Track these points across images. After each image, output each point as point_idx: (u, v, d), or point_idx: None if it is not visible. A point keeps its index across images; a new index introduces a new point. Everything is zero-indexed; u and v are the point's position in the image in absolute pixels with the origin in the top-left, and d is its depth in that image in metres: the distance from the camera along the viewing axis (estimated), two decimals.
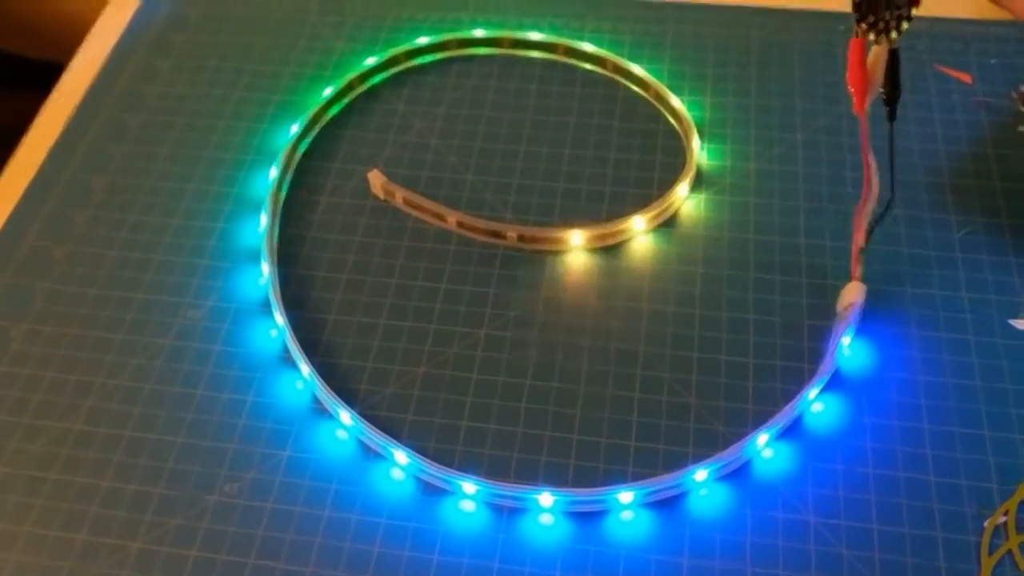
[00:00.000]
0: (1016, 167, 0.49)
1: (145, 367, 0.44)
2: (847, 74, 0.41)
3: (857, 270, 0.44)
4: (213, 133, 0.53)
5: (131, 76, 0.57)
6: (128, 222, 0.50)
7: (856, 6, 0.40)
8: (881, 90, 0.41)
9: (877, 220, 0.43)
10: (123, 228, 0.49)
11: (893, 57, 0.41)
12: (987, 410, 0.41)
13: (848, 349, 0.43)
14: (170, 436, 0.42)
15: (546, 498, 0.38)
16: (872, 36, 0.40)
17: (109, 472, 0.41)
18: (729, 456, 0.39)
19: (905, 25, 0.40)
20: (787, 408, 0.40)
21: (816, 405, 0.41)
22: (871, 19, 0.40)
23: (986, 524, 0.38)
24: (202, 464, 0.41)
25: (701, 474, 0.39)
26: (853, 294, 0.43)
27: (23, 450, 0.42)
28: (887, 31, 0.40)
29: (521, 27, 0.57)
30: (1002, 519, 0.38)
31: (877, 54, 0.41)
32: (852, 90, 0.41)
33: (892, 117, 0.43)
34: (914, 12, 0.40)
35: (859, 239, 0.43)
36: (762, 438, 0.40)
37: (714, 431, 0.41)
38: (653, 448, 0.41)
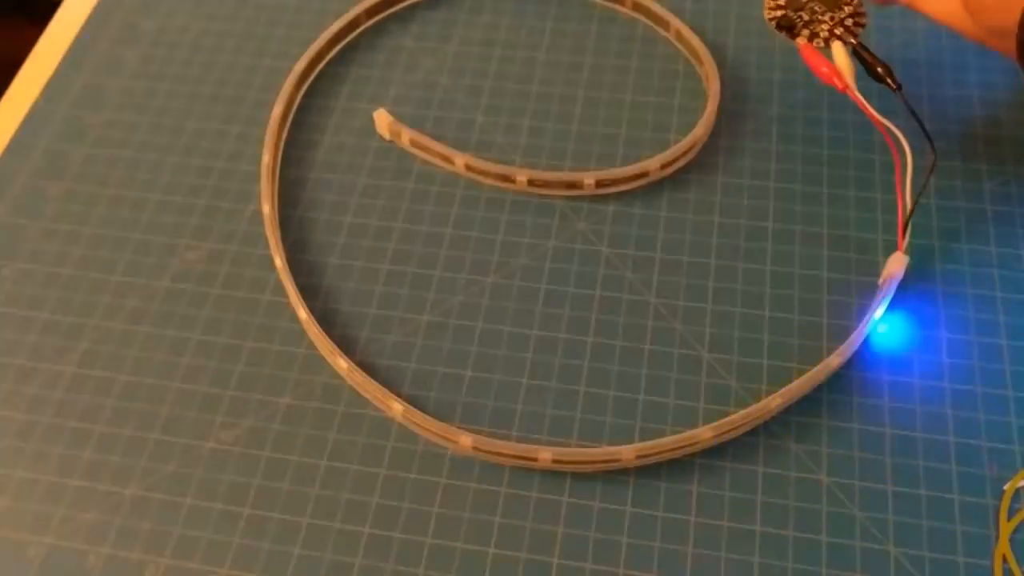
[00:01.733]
0: None
1: (141, 309, 0.43)
2: (814, 73, 0.43)
3: (903, 240, 0.41)
4: (213, 69, 0.51)
5: (129, 8, 0.55)
6: (125, 159, 0.48)
7: (779, 28, 0.43)
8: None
9: (921, 188, 0.41)
10: (119, 166, 0.48)
11: (859, 51, 0.43)
12: (1012, 369, 0.39)
13: (883, 325, 0.41)
14: (165, 380, 0.41)
15: (546, 455, 0.37)
16: (820, 43, 0.43)
17: (103, 417, 0.40)
18: (741, 420, 0.38)
19: (859, 31, 0.43)
20: (805, 378, 0.38)
21: (835, 362, 0.40)
22: (807, 33, 0.43)
23: (1006, 488, 0.36)
24: (198, 410, 0.40)
25: (708, 434, 0.37)
26: (895, 265, 0.41)
27: (16, 391, 0.41)
28: (835, 37, 0.41)
29: None
30: (1023, 483, 0.36)
31: (838, 50, 0.42)
32: (825, 82, 0.42)
33: (896, 88, 0.42)
34: None
35: (904, 205, 0.41)
36: (776, 402, 0.38)
37: (726, 386, 0.40)
38: (662, 403, 0.39)
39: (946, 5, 0.41)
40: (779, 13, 0.44)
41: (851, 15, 0.43)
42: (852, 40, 0.42)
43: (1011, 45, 0.38)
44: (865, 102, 0.41)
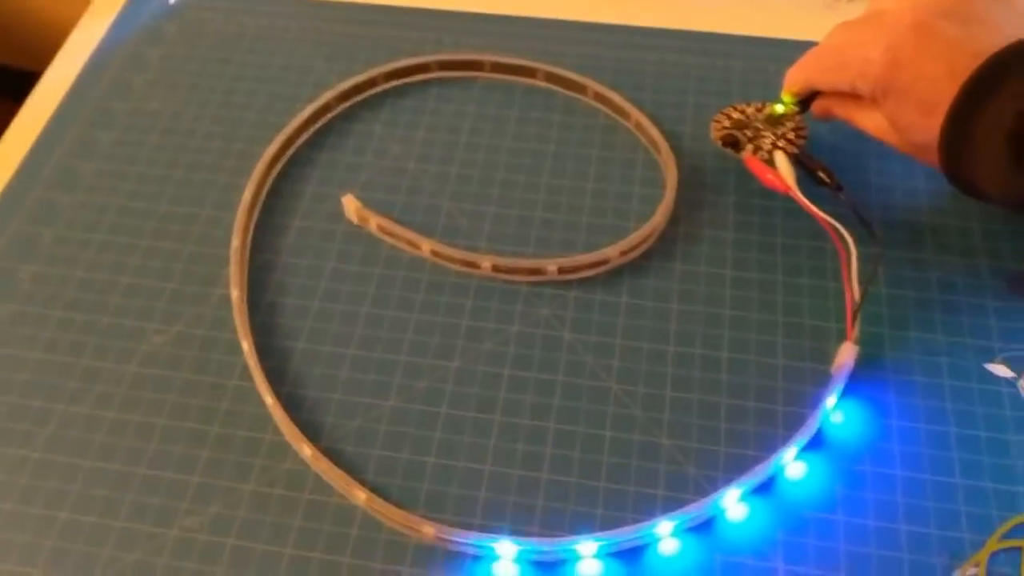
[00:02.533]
0: (994, 206, 0.49)
1: (108, 394, 0.43)
2: (760, 180, 0.46)
3: (852, 330, 0.43)
4: (185, 152, 0.52)
5: (104, 91, 0.56)
6: (95, 242, 0.49)
7: (725, 145, 0.48)
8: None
9: (869, 279, 0.43)
10: (89, 248, 0.48)
11: (802, 160, 0.47)
12: (960, 457, 0.41)
13: (836, 413, 0.42)
14: (131, 467, 0.41)
15: (506, 547, 0.38)
16: (764, 155, 0.47)
17: (67, 503, 0.40)
18: (697, 509, 0.39)
19: (801, 142, 0.47)
20: (760, 467, 0.40)
21: (790, 452, 0.41)
22: (751, 147, 0.47)
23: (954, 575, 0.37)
24: (163, 497, 0.40)
25: (667, 526, 0.38)
26: (844, 355, 0.42)
27: None
28: (780, 148, 0.45)
29: (503, 51, 0.56)
30: (972, 571, 0.37)
31: (780, 159, 0.46)
32: (770, 188, 0.46)
33: (837, 188, 0.46)
34: None
35: (852, 297, 0.43)
36: (733, 493, 0.39)
37: (684, 473, 0.41)
38: (622, 490, 0.40)
39: (878, 122, 0.44)
40: (724, 132, 0.47)
41: (793, 129, 0.47)
42: (794, 149, 0.45)
43: (935, 158, 0.41)
44: (808, 202, 0.43)
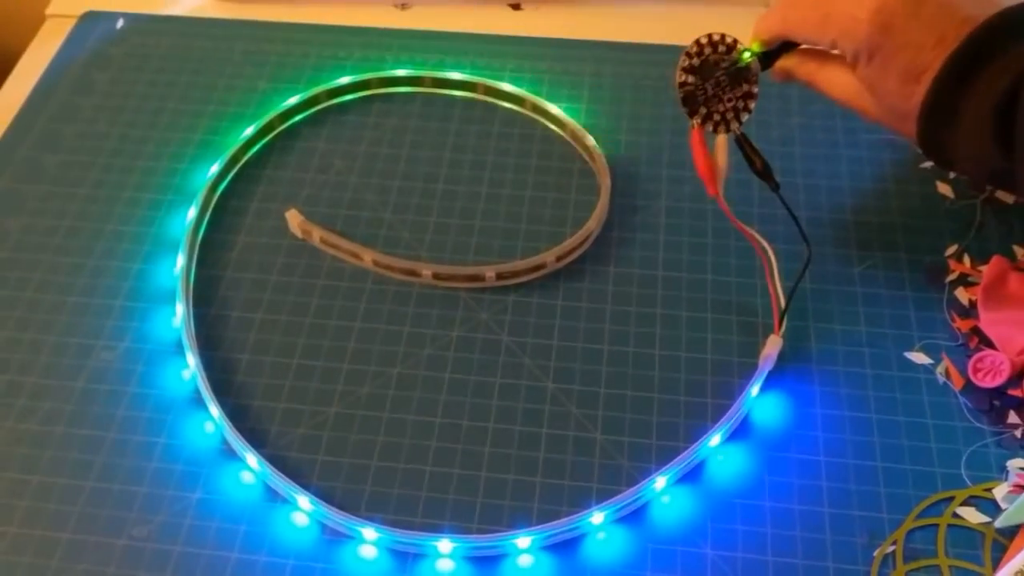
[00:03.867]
0: (913, 202, 0.51)
1: (56, 410, 0.44)
2: (694, 163, 0.45)
3: (779, 327, 0.45)
4: (132, 173, 0.54)
5: (51, 115, 0.57)
6: (43, 263, 0.50)
7: (683, 101, 0.44)
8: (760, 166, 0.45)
9: (797, 279, 0.45)
10: (38, 269, 0.49)
11: (742, 142, 0.45)
12: (880, 441, 0.42)
13: (763, 407, 0.44)
14: (80, 480, 0.42)
15: (445, 544, 0.39)
16: (710, 128, 0.44)
17: (16, 516, 0.41)
18: (628, 498, 0.40)
19: (746, 116, 0.45)
20: (686, 453, 0.41)
21: (715, 440, 0.42)
22: (703, 112, 0.44)
23: (875, 554, 0.39)
24: (112, 508, 0.41)
25: (599, 517, 0.40)
26: (770, 347, 0.44)
27: None
28: (726, 123, 0.43)
29: (442, 66, 0.58)
30: (891, 549, 0.39)
31: (720, 143, 0.45)
32: (701, 178, 0.45)
33: (774, 187, 0.45)
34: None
35: (776, 298, 0.45)
36: (660, 481, 0.41)
37: (618, 465, 0.42)
38: (558, 484, 0.42)
39: (847, 85, 0.42)
40: (687, 84, 0.44)
41: (745, 94, 0.44)
42: (738, 125, 0.45)
43: (911, 128, 0.40)
44: (729, 210, 0.44)
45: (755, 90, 0.45)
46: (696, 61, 0.44)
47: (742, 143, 0.45)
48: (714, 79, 0.44)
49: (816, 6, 0.42)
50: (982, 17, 0.37)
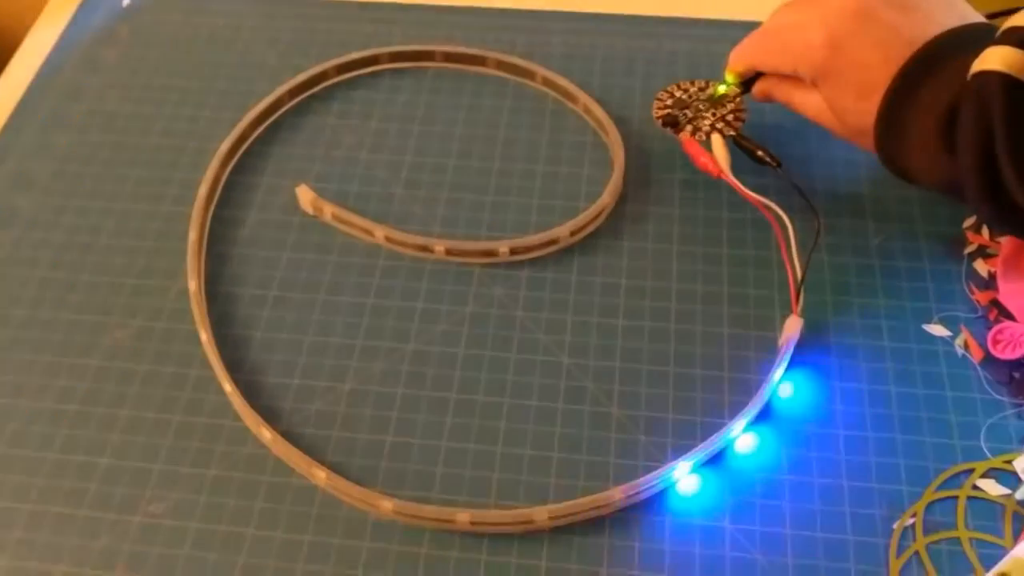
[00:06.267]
0: None
1: (70, 388, 0.44)
2: (693, 163, 0.48)
3: (796, 304, 0.44)
4: (142, 151, 0.53)
5: (60, 94, 0.56)
6: (54, 242, 0.49)
7: (663, 125, 0.49)
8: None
9: (809, 255, 0.44)
10: (49, 247, 0.49)
11: (737, 141, 0.48)
12: (899, 414, 0.42)
13: (784, 387, 0.43)
14: (95, 457, 0.42)
15: (464, 517, 0.39)
16: (702, 137, 0.48)
17: (32, 494, 0.41)
18: (648, 483, 0.40)
19: (739, 124, 0.48)
20: (709, 442, 0.41)
21: (739, 426, 0.42)
22: (689, 128, 0.48)
23: (895, 526, 0.39)
24: (127, 485, 0.41)
25: (618, 495, 0.39)
26: (791, 328, 0.44)
27: None
28: (716, 129, 0.46)
29: (452, 40, 0.57)
30: (910, 521, 0.39)
31: (718, 142, 0.47)
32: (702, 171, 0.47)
33: (776, 166, 0.47)
34: None
35: (793, 272, 0.44)
36: (683, 466, 0.40)
37: (634, 440, 0.42)
38: (575, 460, 0.41)
39: (817, 105, 0.45)
40: (664, 112, 0.48)
41: (732, 111, 0.48)
42: (732, 132, 0.47)
43: (871, 143, 0.43)
44: (739, 184, 0.45)
45: (743, 107, 0.49)
46: (670, 101, 0.49)
47: (739, 141, 0.48)
48: (692, 107, 0.49)
49: (776, 35, 0.45)
50: (927, 36, 0.40)
